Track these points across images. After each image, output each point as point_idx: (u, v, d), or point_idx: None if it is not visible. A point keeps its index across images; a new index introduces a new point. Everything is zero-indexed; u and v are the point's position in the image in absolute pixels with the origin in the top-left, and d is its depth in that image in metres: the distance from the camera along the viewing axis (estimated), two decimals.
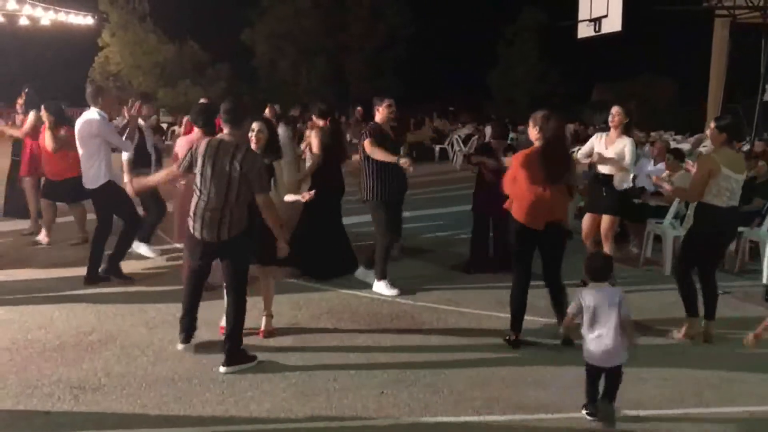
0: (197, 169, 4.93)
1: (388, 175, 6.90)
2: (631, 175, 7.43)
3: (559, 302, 5.66)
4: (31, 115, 9.08)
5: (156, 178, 5.77)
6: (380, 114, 7.07)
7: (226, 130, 4.97)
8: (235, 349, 5.05)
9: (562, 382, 4.90)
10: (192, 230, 4.99)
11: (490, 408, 4.53)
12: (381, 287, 6.96)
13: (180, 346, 5.32)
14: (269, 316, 5.78)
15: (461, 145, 20.36)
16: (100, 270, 7.23)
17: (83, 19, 28.03)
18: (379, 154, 6.77)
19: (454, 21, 32.96)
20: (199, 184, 4.94)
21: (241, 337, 5.13)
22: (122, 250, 7.38)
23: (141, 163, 7.85)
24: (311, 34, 30.59)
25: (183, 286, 5.39)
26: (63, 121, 8.24)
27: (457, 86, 32.98)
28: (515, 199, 5.54)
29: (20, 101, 9.94)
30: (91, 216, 7.74)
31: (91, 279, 7.17)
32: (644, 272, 8.21)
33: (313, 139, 7.51)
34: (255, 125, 5.51)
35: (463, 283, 7.47)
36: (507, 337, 5.66)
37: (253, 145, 5.41)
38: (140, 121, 7.98)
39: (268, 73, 31.34)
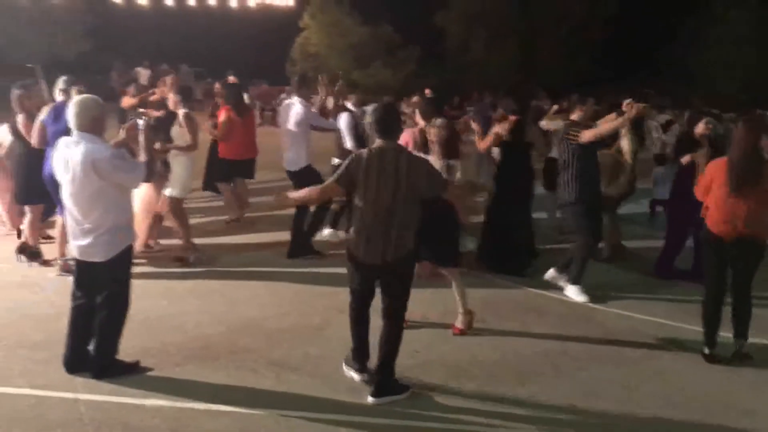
0: (359, 182, 4.47)
1: (590, 174, 6.66)
2: None
3: (738, 317, 5.35)
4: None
5: (306, 193, 5.04)
6: (581, 112, 6.85)
7: (379, 140, 4.55)
8: (386, 380, 4.62)
9: None
10: (353, 250, 4.62)
11: None
12: (573, 292, 6.72)
13: (356, 377, 4.85)
14: (466, 314, 5.77)
15: (660, 132, 19.16)
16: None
17: (286, 2, 29.69)
18: (605, 127, 6.51)
19: None
20: (361, 199, 4.49)
21: (394, 368, 4.66)
22: (314, 228, 7.88)
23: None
24: (504, 15, 30.06)
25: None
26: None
27: (656, 69, 30.85)
28: (708, 207, 5.40)
29: (218, 86, 10.64)
30: None
31: (293, 253, 7.71)
32: None
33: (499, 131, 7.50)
34: (438, 121, 5.56)
35: (661, 291, 7.04)
36: (704, 352, 5.44)
37: (431, 142, 5.52)
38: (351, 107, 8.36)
39: (457, 56, 31.30)
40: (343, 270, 7.14)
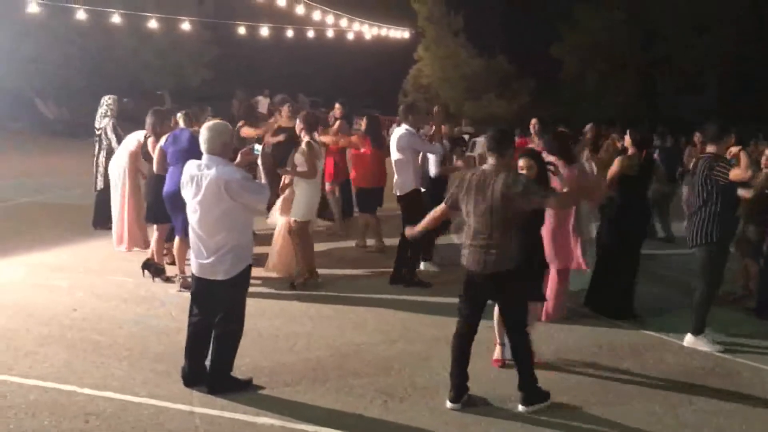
0: (462, 203, 4.89)
1: (730, 213, 6.20)
2: None
3: None
4: (338, 124, 10.02)
5: (424, 224, 5.37)
6: (718, 146, 6.23)
7: (489, 159, 4.90)
8: (531, 389, 4.87)
9: None
10: (462, 261, 4.94)
11: None
12: (699, 343, 6.22)
13: (449, 405, 4.88)
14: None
15: None
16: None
17: (401, 34, 30.22)
18: (743, 173, 5.96)
19: None
20: (465, 215, 4.91)
21: (534, 375, 4.90)
22: (416, 258, 7.92)
23: None
24: (623, 47, 29.30)
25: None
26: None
27: None
28: None
29: (336, 113, 10.80)
30: None
31: (395, 279, 7.80)
32: None
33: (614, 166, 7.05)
34: (521, 162, 5.40)
35: None
36: None
37: None
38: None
39: (572, 88, 30.75)
40: (450, 300, 7.21)
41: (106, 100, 9.63)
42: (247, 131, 9.63)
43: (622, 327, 6.71)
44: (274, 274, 7.82)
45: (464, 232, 4.94)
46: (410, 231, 5.49)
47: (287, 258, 7.85)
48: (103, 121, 9.54)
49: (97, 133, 9.59)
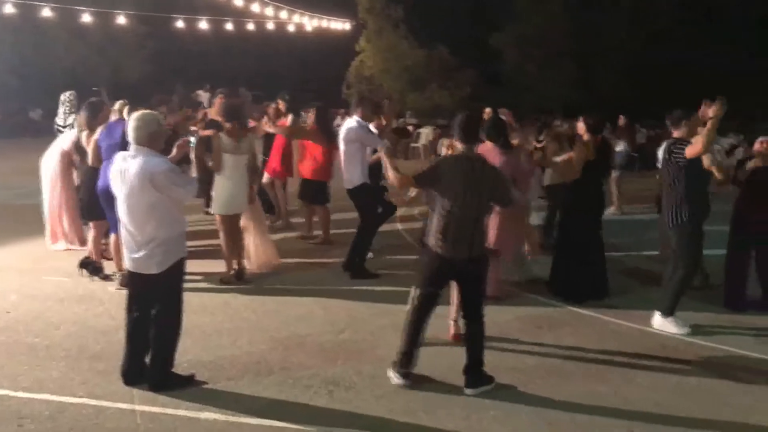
0: (443, 186, 4.84)
1: (700, 193, 6.28)
2: None
3: None
4: (291, 118, 9.90)
5: (395, 178, 5.09)
6: (685, 129, 6.35)
7: (460, 146, 4.99)
8: (478, 372, 4.97)
9: None
10: (437, 249, 4.89)
11: None
12: (667, 325, 6.28)
13: (401, 382, 4.99)
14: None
15: (723, 156, 18.65)
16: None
17: (342, 26, 30.11)
18: (704, 139, 5.96)
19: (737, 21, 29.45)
20: (447, 201, 4.83)
21: (483, 359, 5.01)
22: (363, 250, 7.89)
23: None
24: (562, 37, 29.72)
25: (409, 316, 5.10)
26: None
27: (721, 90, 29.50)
28: None
29: (277, 106, 10.65)
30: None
31: (348, 266, 7.79)
32: None
33: (576, 153, 7.11)
34: (445, 141, 5.76)
35: (724, 318, 6.72)
36: None
37: None
38: None
39: (513, 78, 31.08)
40: (396, 288, 7.26)
41: (68, 97, 9.20)
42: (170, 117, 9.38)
43: (560, 306, 6.84)
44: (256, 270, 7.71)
45: (437, 220, 4.87)
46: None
47: (264, 253, 7.80)
48: (69, 119, 9.16)
49: (63, 131, 9.22)
